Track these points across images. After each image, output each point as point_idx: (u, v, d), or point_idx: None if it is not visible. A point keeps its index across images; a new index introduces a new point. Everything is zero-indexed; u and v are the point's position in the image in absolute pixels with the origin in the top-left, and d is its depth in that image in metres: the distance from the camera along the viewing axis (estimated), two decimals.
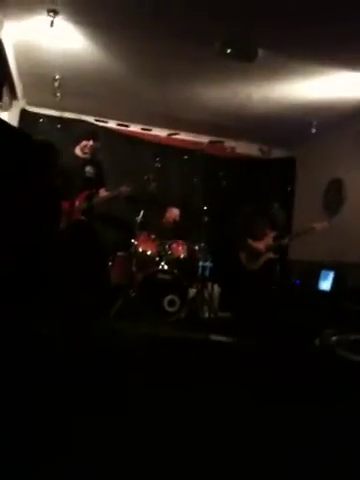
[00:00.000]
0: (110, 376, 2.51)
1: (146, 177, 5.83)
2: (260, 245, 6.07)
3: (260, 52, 4.90)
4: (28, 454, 1.58)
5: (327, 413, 2.27)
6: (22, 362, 1.88)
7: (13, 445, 1.61)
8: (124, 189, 5.16)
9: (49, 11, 4.46)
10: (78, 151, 5.13)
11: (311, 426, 2.11)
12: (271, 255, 5.99)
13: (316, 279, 5.81)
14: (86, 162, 5.10)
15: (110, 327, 4.32)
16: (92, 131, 5.48)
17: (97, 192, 5.09)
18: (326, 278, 5.77)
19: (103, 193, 5.17)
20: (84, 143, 5.10)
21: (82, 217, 4.86)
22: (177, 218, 6.47)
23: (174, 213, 6.47)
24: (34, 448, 1.63)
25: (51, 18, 4.49)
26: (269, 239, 6.05)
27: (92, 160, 5.15)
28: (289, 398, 2.50)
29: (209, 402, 2.33)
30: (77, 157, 5.12)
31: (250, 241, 6.15)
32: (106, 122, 7.42)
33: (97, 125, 7.22)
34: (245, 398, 2.43)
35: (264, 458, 1.79)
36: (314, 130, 6.44)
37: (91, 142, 5.09)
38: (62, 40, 5.04)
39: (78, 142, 5.14)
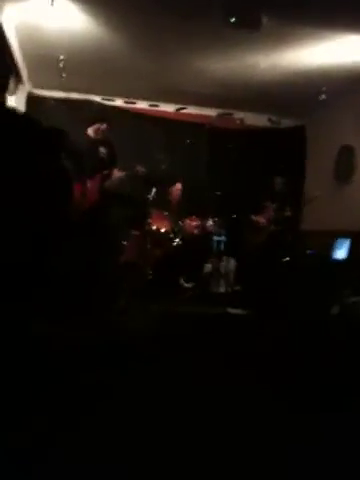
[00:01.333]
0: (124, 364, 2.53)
1: (160, 157, 5.81)
2: (261, 219, 6.05)
3: (264, 19, 4.79)
4: (29, 452, 1.60)
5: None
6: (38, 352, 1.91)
7: (14, 442, 1.63)
8: (139, 169, 5.21)
9: None
10: (91, 132, 5.13)
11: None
12: (273, 228, 5.98)
13: (331, 249, 5.78)
14: (99, 143, 5.11)
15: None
16: (103, 113, 5.47)
17: (111, 173, 5.11)
18: (341, 247, 5.73)
19: (117, 173, 5.18)
20: (97, 126, 5.11)
21: (98, 197, 4.89)
22: (180, 191, 6.41)
23: (178, 187, 6.42)
24: (38, 446, 1.64)
25: None
26: (270, 212, 6.03)
27: (104, 141, 5.17)
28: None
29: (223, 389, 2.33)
30: (90, 138, 5.13)
31: (252, 217, 6.13)
32: (113, 100, 7.36)
33: (106, 105, 7.17)
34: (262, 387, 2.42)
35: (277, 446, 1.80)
36: (323, 97, 6.32)
37: (104, 126, 5.11)
38: (64, 19, 4.97)
39: (90, 124, 5.15)
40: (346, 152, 6.67)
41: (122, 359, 2.52)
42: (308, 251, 5.80)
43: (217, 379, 2.38)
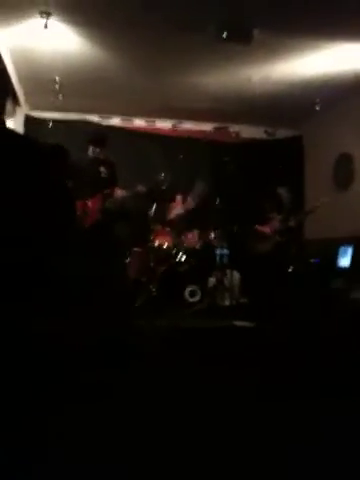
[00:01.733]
0: (132, 371, 2.52)
1: (161, 176, 5.82)
2: (266, 229, 6.04)
3: (256, 33, 4.85)
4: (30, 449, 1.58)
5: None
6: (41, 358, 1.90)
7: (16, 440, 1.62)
8: (140, 189, 5.23)
9: (42, 13, 4.46)
10: (91, 152, 5.16)
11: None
12: (278, 238, 5.96)
13: (335, 256, 5.77)
14: (99, 162, 5.13)
15: (131, 323, 4.34)
16: (102, 135, 5.47)
17: (112, 192, 5.12)
18: (345, 254, 5.72)
19: (119, 193, 5.20)
20: (97, 149, 5.14)
21: (99, 216, 4.89)
22: (181, 204, 6.41)
23: (178, 202, 6.42)
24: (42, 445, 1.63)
25: (44, 19, 4.48)
26: (275, 223, 6.02)
27: (104, 160, 5.18)
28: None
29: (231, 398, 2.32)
30: (90, 158, 5.15)
31: (257, 227, 6.11)
32: (109, 119, 7.42)
33: (104, 126, 7.23)
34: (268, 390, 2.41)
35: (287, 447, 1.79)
36: (318, 107, 6.37)
37: (98, 150, 5.15)
38: (58, 41, 5.03)
39: (89, 144, 5.17)
40: (344, 160, 6.69)
41: (131, 376, 2.50)
42: (312, 260, 5.79)
43: (225, 393, 2.36)
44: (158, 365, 2.73)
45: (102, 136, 5.41)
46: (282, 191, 6.16)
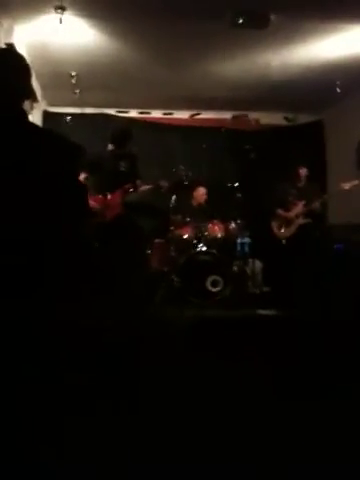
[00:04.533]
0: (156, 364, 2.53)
1: (181, 169, 5.80)
2: (289, 213, 5.98)
3: (272, 17, 4.78)
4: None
5: None
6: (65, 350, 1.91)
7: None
8: (163, 184, 5.22)
9: (56, 8, 4.47)
10: (111, 147, 5.16)
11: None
12: (302, 221, 5.89)
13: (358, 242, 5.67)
14: (119, 157, 5.12)
15: (156, 314, 4.36)
16: (124, 134, 5.43)
17: (134, 186, 5.12)
18: None
19: (141, 187, 5.20)
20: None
21: (121, 211, 4.90)
22: (205, 196, 6.40)
23: (201, 191, 6.40)
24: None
25: (59, 15, 4.50)
26: (298, 206, 5.95)
27: (125, 154, 5.17)
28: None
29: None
30: (110, 152, 5.14)
31: (280, 211, 6.06)
32: (127, 112, 7.41)
33: (123, 118, 7.23)
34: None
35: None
36: (339, 90, 6.25)
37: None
38: (73, 36, 5.05)
39: (110, 142, 5.16)
40: None
41: (156, 363, 2.52)
42: (335, 245, 5.71)
43: (249, 382, 2.35)
44: (180, 356, 2.74)
45: (124, 135, 5.36)
46: (303, 173, 6.07)
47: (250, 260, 5.96)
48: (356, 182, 5.75)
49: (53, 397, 1.77)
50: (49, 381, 1.77)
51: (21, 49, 5.14)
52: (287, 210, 6.01)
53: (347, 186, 5.73)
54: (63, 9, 4.50)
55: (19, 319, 1.74)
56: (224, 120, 7.60)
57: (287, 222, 5.97)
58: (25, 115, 2.02)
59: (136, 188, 5.11)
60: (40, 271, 1.82)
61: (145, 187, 5.23)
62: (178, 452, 1.63)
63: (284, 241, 5.96)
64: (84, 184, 3.40)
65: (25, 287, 1.81)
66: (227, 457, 1.62)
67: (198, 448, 1.66)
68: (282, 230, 6.00)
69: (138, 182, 5.20)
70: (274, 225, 6.07)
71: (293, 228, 5.91)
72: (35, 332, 1.78)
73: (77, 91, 6.18)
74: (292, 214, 5.94)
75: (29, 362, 1.74)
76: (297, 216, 5.92)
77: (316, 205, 5.88)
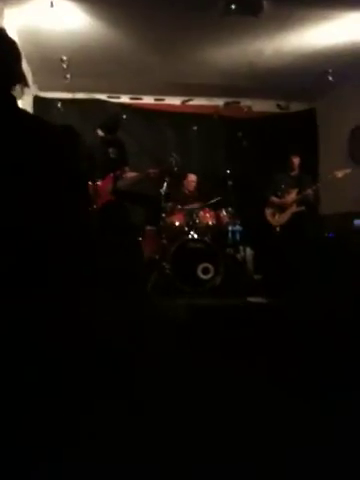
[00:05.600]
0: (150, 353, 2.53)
1: (172, 157, 5.76)
2: (284, 200, 6.03)
3: (265, 4, 4.73)
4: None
5: None
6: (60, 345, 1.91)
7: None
8: (152, 171, 5.20)
9: None
10: (100, 132, 5.11)
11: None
12: (296, 208, 5.95)
13: (350, 230, 5.72)
14: (109, 143, 5.09)
15: (148, 301, 4.37)
16: (114, 122, 5.38)
17: (123, 173, 5.09)
18: None
19: (130, 174, 5.18)
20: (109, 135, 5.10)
21: (111, 198, 4.88)
22: (194, 183, 6.39)
23: (191, 178, 6.40)
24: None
25: None
26: (292, 195, 6.01)
27: (114, 140, 5.14)
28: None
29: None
30: (99, 138, 5.11)
31: (273, 198, 6.12)
32: (118, 97, 7.35)
33: (114, 103, 7.17)
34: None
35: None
36: (331, 78, 6.23)
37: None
38: (64, 20, 4.97)
39: (100, 129, 5.11)
40: (358, 131, 6.59)
41: (146, 356, 2.52)
42: (327, 234, 5.75)
43: (240, 370, 2.36)
44: (173, 344, 2.75)
45: (114, 123, 5.33)
46: (297, 161, 6.12)
47: (241, 248, 5.98)
48: (348, 170, 5.79)
49: (53, 397, 1.77)
50: (49, 381, 1.77)
51: (12, 33, 5.05)
52: (281, 198, 6.06)
53: (340, 174, 5.78)
54: None
55: (20, 317, 1.73)
56: (216, 107, 7.56)
57: (281, 209, 6.04)
58: (14, 100, 1.99)
59: (125, 174, 5.10)
60: (44, 265, 1.80)
61: (133, 174, 5.22)
62: (177, 451, 1.63)
63: (278, 228, 6.02)
64: (84, 172, 3.38)
65: (25, 282, 1.79)
66: (225, 454, 1.63)
67: (195, 446, 1.67)
68: (276, 217, 6.07)
69: (126, 169, 5.19)
70: (268, 212, 6.14)
71: (287, 215, 5.98)
72: (36, 328, 1.77)
73: (68, 76, 6.11)
74: (286, 201, 6.00)
75: (29, 361, 1.73)
76: (291, 203, 5.97)
77: (309, 193, 5.93)
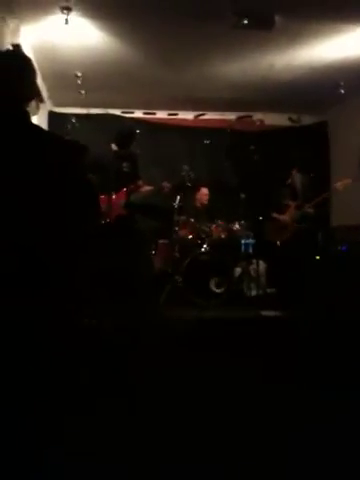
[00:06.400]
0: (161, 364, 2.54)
1: (185, 170, 5.80)
2: (285, 217, 5.96)
3: (277, 19, 4.78)
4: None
5: None
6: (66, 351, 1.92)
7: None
8: (165, 185, 5.25)
9: (62, 9, 4.49)
10: (114, 147, 5.18)
11: None
12: (296, 225, 5.87)
13: None
14: (123, 157, 5.15)
15: (160, 314, 4.37)
16: (128, 136, 5.43)
17: (137, 186, 5.15)
18: None
19: (144, 188, 5.23)
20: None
21: (124, 211, 4.92)
22: (207, 196, 6.40)
23: (204, 192, 6.42)
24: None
25: (65, 16, 4.51)
26: (292, 210, 5.93)
27: (128, 155, 5.20)
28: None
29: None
30: (113, 153, 5.17)
31: (275, 214, 6.04)
32: (132, 112, 7.43)
33: (128, 118, 7.24)
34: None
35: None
36: (342, 91, 6.24)
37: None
38: (79, 36, 5.06)
39: (115, 143, 5.18)
40: None
41: (154, 367, 2.52)
42: (339, 247, 5.71)
43: (253, 383, 2.36)
44: (184, 355, 2.75)
45: (128, 137, 5.37)
46: (297, 176, 6.06)
47: (254, 261, 5.96)
48: (348, 181, 5.72)
49: (53, 397, 1.78)
50: (49, 381, 1.79)
51: (27, 50, 5.17)
52: (282, 213, 6.00)
53: (339, 185, 5.72)
54: (69, 10, 4.51)
55: (22, 319, 1.74)
56: (229, 121, 7.60)
57: (282, 227, 5.95)
58: (28, 116, 2.03)
59: (138, 188, 5.15)
60: (46, 273, 1.83)
61: (146, 188, 5.27)
62: (177, 451, 1.64)
63: (278, 243, 5.94)
64: (94, 184, 3.41)
65: (29, 287, 1.81)
66: (225, 456, 1.62)
67: (196, 448, 1.67)
68: (276, 235, 5.96)
69: (140, 182, 5.24)
70: (268, 229, 6.05)
71: (288, 233, 5.89)
72: (38, 331, 1.78)
73: (83, 91, 6.19)
74: (287, 218, 5.93)
75: (30, 362, 1.75)
76: (292, 220, 5.89)
77: (310, 209, 5.84)
